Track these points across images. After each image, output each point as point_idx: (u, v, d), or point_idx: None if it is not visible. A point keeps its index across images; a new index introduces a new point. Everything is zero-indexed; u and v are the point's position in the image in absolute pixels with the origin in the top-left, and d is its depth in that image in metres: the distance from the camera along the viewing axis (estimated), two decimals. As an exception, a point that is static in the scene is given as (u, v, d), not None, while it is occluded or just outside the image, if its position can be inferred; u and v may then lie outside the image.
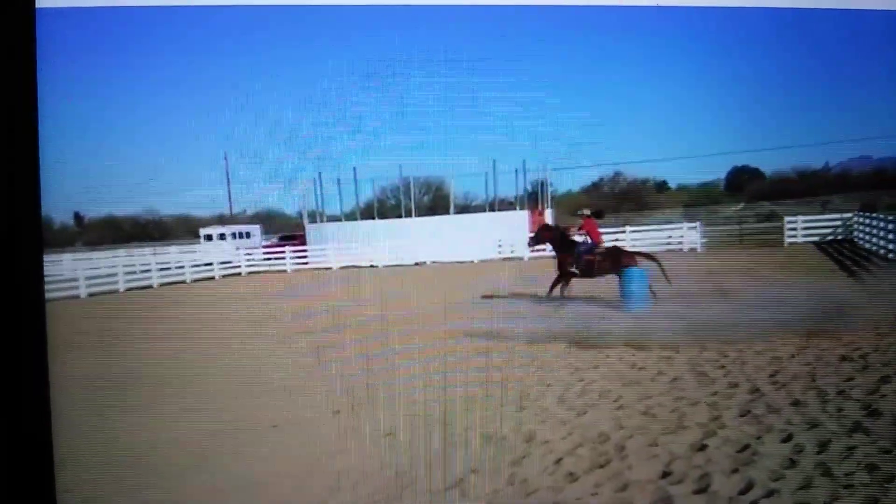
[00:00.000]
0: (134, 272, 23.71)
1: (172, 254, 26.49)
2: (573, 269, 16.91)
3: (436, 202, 28.34)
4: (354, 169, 26.01)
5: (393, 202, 27.87)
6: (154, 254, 26.34)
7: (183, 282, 24.26)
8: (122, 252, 26.28)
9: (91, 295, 21.86)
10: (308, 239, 26.82)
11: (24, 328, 5.77)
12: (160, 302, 21.36)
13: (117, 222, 27.23)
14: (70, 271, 23.29)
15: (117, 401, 10.90)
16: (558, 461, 7.51)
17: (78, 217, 26.79)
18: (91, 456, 8.36)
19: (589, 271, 16.78)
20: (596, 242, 16.96)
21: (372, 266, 24.73)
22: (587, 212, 17.58)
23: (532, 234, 18.24)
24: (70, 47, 13.62)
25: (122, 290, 22.59)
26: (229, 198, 28.00)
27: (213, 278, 24.92)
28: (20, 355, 5.77)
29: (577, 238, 17.20)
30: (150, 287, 23.39)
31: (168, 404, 10.72)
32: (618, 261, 16.40)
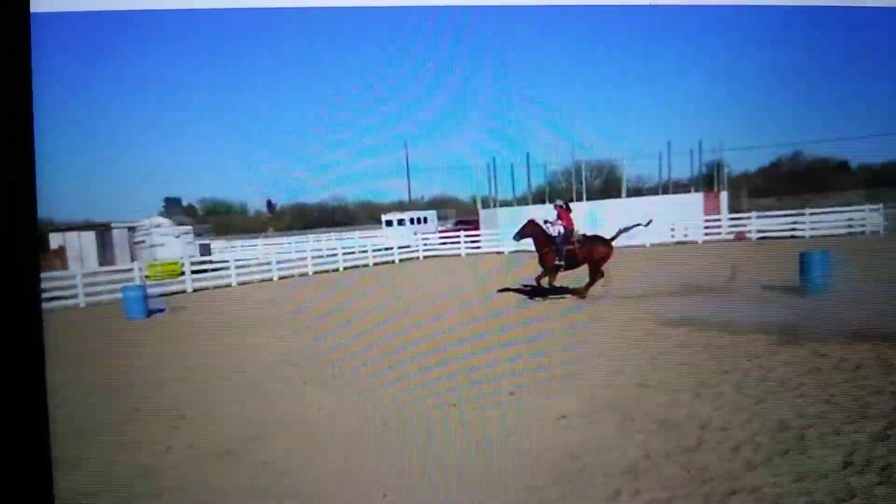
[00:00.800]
0: (321, 256, 24.90)
1: (356, 239, 27.57)
2: (558, 262, 17.60)
3: (608, 185, 28.12)
4: (528, 154, 26.18)
5: (564, 185, 27.86)
6: (340, 239, 27.47)
7: (365, 265, 25.22)
8: (310, 237, 27.57)
9: (281, 278, 23.16)
10: (481, 223, 27.25)
11: (23, 330, 5.70)
12: (347, 284, 22.44)
13: (306, 209, 28.54)
14: (263, 255, 24.83)
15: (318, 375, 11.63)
16: (736, 448, 7.42)
17: (270, 204, 28.30)
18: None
19: (573, 261, 17.56)
20: (570, 230, 17.78)
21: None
22: (562, 202, 18.37)
23: (518, 230, 18.39)
24: (66, 52, 14.05)
25: (310, 273, 23.80)
26: (408, 184, 28.80)
27: (392, 262, 25.79)
28: (19, 357, 5.72)
29: (553, 231, 17.92)
30: (336, 270, 24.49)
31: (361, 380, 11.16)
32: (594, 249, 17.40)
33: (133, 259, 22.95)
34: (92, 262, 22.63)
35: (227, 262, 23.09)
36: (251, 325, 16.11)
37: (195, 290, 21.27)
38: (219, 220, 27.40)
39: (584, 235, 17.67)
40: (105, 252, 23.60)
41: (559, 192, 27.66)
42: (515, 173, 27.04)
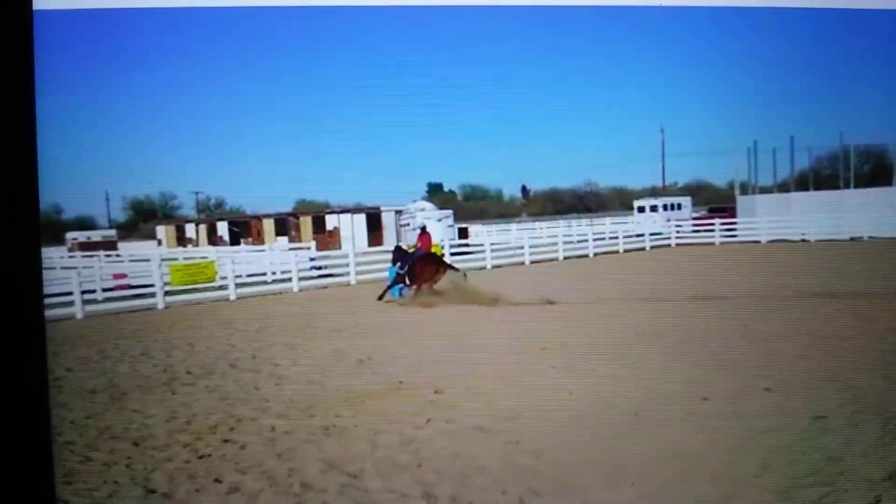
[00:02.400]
0: (572, 242, 25.49)
1: (607, 225, 27.82)
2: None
3: (877, 172, 26.36)
4: (791, 138, 25.23)
5: (829, 172, 26.49)
6: (591, 224, 27.85)
7: (615, 251, 25.48)
8: (562, 222, 28.14)
9: (532, 262, 24.01)
10: (738, 211, 26.52)
11: (24, 328, 5.69)
12: (596, 268, 22.92)
13: (559, 194, 29.16)
14: (516, 240, 25.79)
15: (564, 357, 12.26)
16: None
17: (524, 190, 29.20)
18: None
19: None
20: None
21: (803, 240, 23.94)
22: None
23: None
24: (68, 49, 14.17)
25: (560, 258, 24.49)
26: (663, 170, 28.62)
27: (643, 249, 25.85)
28: (19, 355, 5.73)
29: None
30: (585, 256, 25.01)
31: (613, 367, 11.46)
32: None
33: (399, 240, 24.63)
34: (362, 242, 24.52)
35: (482, 245, 24.24)
36: (504, 306, 17.01)
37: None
38: (476, 204, 28.62)
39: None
40: (373, 233, 25.53)
41: (824, 178, 26.43)
42: (777, 158, 26.06)
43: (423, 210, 25.48)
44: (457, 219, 26.03)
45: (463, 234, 26.33)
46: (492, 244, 24.23)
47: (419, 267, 19.19)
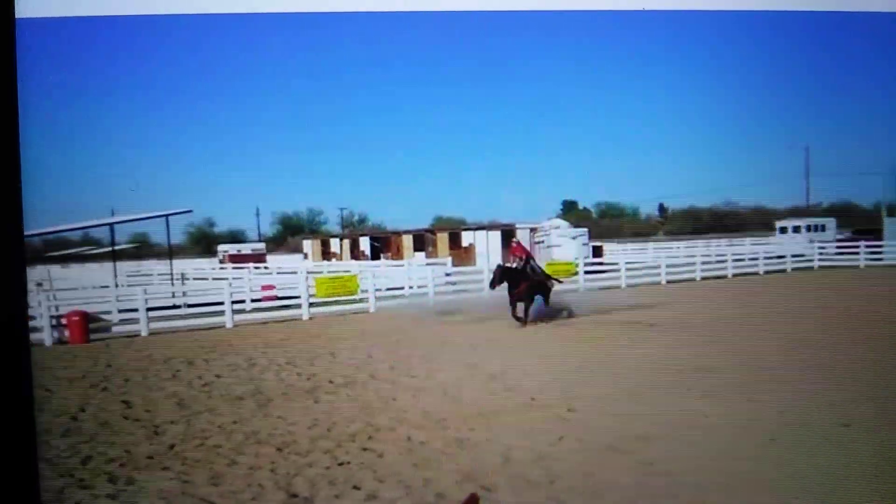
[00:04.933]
0: (710, 262, 24.99)
1: (746, 245, 27.14)
2: None
3: None
4: (947, 153, 23.96)
5: None
6: (730, 244, 27.23)
7: (755, 273, 24.87)
8: (699, 243, 27.65)
9: (669, 282, 23.70)
10: (884, 234, 25.41)
11: (5, 333, 5.66)
12: (735, 289, 22.46)
13: (697, 213, 28.65)
14: (652, 259, 25.50)
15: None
16: None
17: (661, 208, 28.84)
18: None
19: None
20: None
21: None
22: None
23: None
24: (50, 57, 13.65)
25: (698, 278, 24.09)
26: (807, 190, 27.74)
27: (784, 271, 25.12)
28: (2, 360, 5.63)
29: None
30: (724, 277, 24.53)
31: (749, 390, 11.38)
32: None
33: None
34: (496, 258, 24.74)
35: (617, 264, 24.13)
36: (636, 326, 16.96)
37: (587, 290, 22.60)
38: (611, 222, 28.44)
39: None
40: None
41: None
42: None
43: (557, 228, 25.54)
44: (592, 237, 25.95)
45: (597, 252, 26.20)
46: (627, 263, 24.08)
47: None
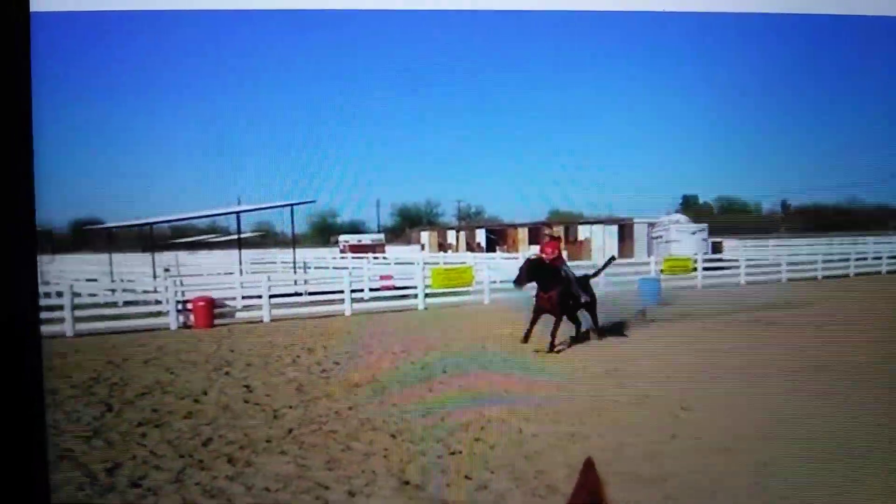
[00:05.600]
0: (831, 261, 24.18)
1: (870, 244, 26.06)
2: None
3: None
4: None
5: None
6: (854, 243, 26.22)
7: (878, 272, 23.99)
8: (822, 240, 26.70)
9: (789, 280, 23.00)
10: None
11: (19, 331, 5.57)
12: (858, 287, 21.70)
13: (821, 210, 27.67)
14: (773, 256, 24.78)
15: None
16: None
17: (784, 205, 27.93)
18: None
19: None
20: None
21: None
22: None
23: None
24: (65, 51, 13.46)
25: (819, 277, 23.37)
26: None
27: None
28: (17, 357, 5.58)
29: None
30: (846, 276, 23.67)
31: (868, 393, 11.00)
32: None
33: (650, 253, 24.46)
34: (612, 253, 24.48)
35: (736, 260, 23.57)
36: (755, 324, 16.55)
37: (703, 287, 22.18)
38: (732, 218, 27.75)
39: None
40: (623, 245, 25.47)
41: None
42: None
43: (676, 222, 25.09)
44: (712, 233, 25.41)
45: (717, 248, 25.63)
46: (747, 260, 23.50)
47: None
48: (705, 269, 22.85)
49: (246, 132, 18.61)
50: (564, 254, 17.46)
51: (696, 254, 23.58)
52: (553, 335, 15.08)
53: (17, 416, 5.55)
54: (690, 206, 26.78)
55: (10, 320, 5.46)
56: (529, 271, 15.47)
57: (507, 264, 23.09)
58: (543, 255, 16.31)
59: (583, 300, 16.02)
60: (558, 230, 23.85)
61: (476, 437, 9.86)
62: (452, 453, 9.31)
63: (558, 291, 15.52)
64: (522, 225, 27.10)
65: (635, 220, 25.51)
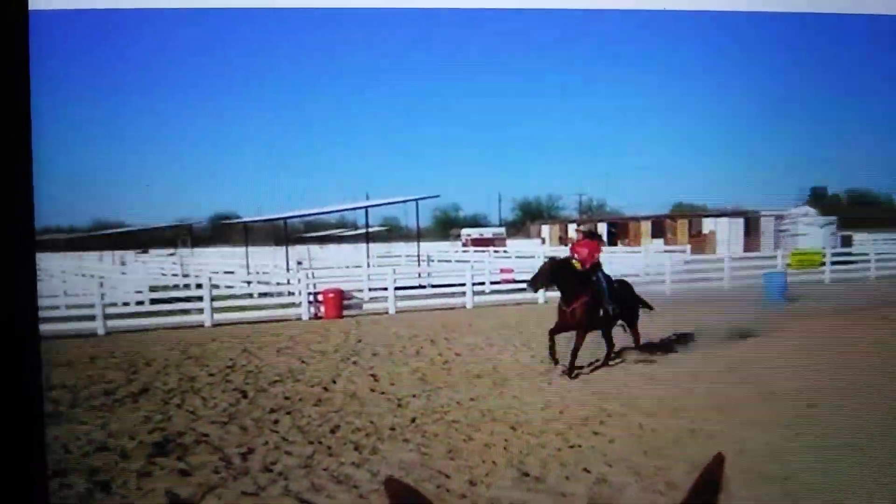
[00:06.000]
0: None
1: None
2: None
3: None
4: None
5: None
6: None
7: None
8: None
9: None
10: None
11: (18, 330, 5.37)
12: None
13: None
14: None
15: None
16: None
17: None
18: None
19: None
20: None
21: None
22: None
23: None
24: (64, 49, 13.21)
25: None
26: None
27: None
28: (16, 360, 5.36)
29: None
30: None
31: None
32: None
33: (776, 247, 23.76)
34: (737, 247, 23.96)
35: (867, 254, 22.66)
36: (885, 321, 15.94)
37: (831, 281, 21.45)
38: (862, 211, 26.67)
39: None
40: (749, 239, 24.81)
41: None
42: None
43: (805, 215, 24.28)
44: (841, 226, 24.49)
45: (846, 242, 24.68)
46: (878, 254, 22.52)
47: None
48: (834, 263, 22.06)
49: (376, 131, 19.19)
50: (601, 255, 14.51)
51: (824, 248, 22.80)
52: (573, 355, 13.11)
53: (16, 417, 5.33)
54: (819, 199, 25.89)
55: (9, 320, 5.25)
56: (550, 274, 13.53)
57: (629, 258, 22.95)
58: (575, 257, 13.99)
59: (613, 312, 13.75)
60: (682, 222, 22.92)
61: (595, 430, 9.95)
62: (571, 446, 9.42)
63: (583, 303, 13.39)
64: (645, 218, 26.77)
65: (762, 213, 24.84)
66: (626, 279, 14.95)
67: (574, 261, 13.90)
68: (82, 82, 17.44)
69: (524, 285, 15.38)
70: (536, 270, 13.73)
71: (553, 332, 13.42)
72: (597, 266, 13.94)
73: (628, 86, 19.59)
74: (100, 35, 14.70)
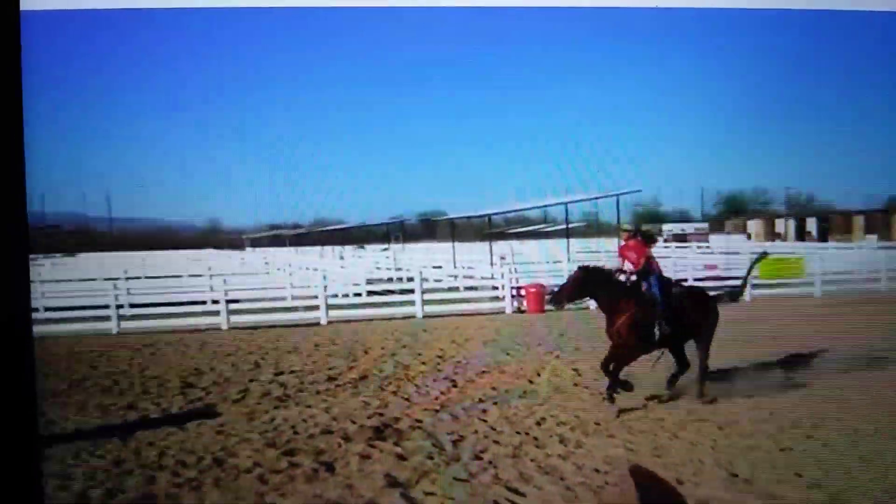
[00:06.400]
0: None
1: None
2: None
3: None
4: None
5: None
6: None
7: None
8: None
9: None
10: None
11: (9, 331, 5.40)
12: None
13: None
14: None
15: None
16: None
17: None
18: None
19: None
20: None
21: None
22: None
23: None
24: (55, 50, 12.95)
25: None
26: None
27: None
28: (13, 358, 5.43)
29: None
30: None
31: None
32: None
33: None
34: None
35: None
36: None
37: None
38: None
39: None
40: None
41: None
42: None
43: None
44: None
45: None
46: None
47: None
48: None
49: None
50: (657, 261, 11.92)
51: None
52: (614, 375, 11.22)
53: (13, 418, 5.55)
54: None
55: (9, 320, 5.42)
56: (580, 284, 11.34)
57: (841, 255, 22.01)
58: (623, 261, 11.69)
59: (661, 332, 11.27)
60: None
61: (808, 434, 9.75)
62: (782, 449, 9.29)
63: (629, 317, 11.21)
64: (858, 212, 25.43)
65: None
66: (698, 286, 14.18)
67: (625, 269, 11.60)
68: (74, 81, 17.74)
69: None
70: (565, 282, 11.64)
71: (605, 366, 11.34)
72: (647, 272, 11.52)
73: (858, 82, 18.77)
74: (91, 35, 15.06)
